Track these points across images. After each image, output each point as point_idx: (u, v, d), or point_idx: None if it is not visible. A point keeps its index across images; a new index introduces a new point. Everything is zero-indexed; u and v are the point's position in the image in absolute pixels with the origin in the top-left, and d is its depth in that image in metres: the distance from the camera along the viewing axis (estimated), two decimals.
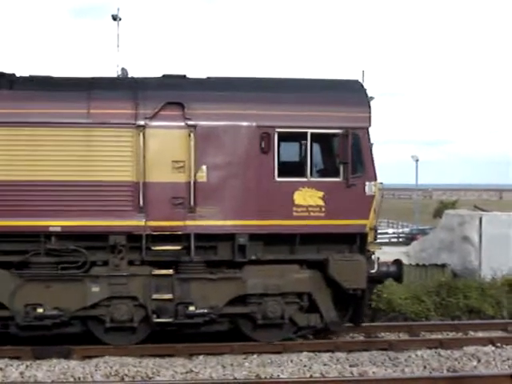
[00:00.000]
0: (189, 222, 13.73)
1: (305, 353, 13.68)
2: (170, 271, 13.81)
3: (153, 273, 13.81)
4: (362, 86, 14.76)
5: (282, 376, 12.15)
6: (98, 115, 13.64)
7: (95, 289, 13.77)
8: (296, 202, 13.95)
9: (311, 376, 12.15)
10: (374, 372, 12.40)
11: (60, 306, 13.67)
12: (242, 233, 13.84)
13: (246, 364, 12.98)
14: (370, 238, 14.35)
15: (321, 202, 14.00)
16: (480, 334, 15.71)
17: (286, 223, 13.93)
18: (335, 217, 14.03)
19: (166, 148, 13.71)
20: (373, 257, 14.51)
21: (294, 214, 13.93)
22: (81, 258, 13.70)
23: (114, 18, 31.55)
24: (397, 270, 14.76)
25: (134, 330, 14.09)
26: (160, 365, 12.80)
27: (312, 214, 13.98)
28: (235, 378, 11.95)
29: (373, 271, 14.45)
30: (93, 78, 14.34)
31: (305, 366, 12.78)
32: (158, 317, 13.84)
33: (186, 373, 12.34)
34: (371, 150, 14.26)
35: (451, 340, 14.82)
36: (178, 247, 13.79)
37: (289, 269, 14.19)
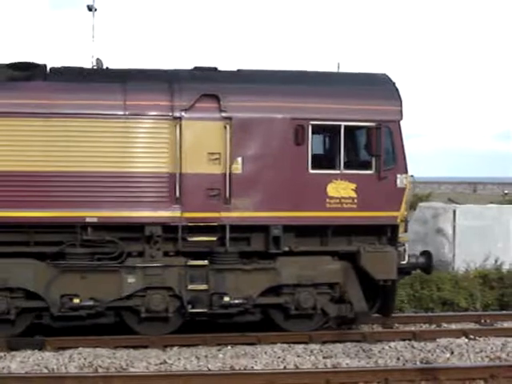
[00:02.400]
0: (224, 214, 13.84)
1: (279, 344, 13.74)
2: (206, 262, 13.91)
3: (188, 263, 13.90)
4: (390, 79, 14.95)
5: (256, 367, 12.18)
6: (135, 107, 13.69)
7: (131, 279, 13.84)
8: (329, 193, 14.10)
9: (285, 367, 12.22)
10: (347, 363, 12.46)
11: (96, 296, 13.72)
12: (277, 224, 13.96)
13: (220, 355, 13.02)
14: (400, 230, 14.54)
15: (353, 194, 14.16)
16: (453, 326, 15.82)
17: (319, 215, 14.08)
18: (367, 209, 14.20)
19: (201, 140, 13.79)
20: (403, 248, 14.70)
21: (327, 205, 14.09)
22: (117, 248, 13.76)
23: (90, 8, 31.27)
24: (426, 262, 14.96)
25: (167, 320, 14.19)
26: (134, 356, 12.82)
27: (345, 205, 14.15)
28: (209, 370, 11.98)
29: (403, 262, 14.64)
30: (127, 70, 14.39)
31: (279, 357, 12.82)
32: (193, 307, 13.95)
33: (160, 364, 12.35)
34: (402, 143, 14.43)
35: (424, 332, 14.93)
36: (214, 238, 13.88)
37: (322, 260, 14.35)
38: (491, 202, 25.98)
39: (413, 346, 13.72)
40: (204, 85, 14.00)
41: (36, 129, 13.50)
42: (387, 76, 15.06)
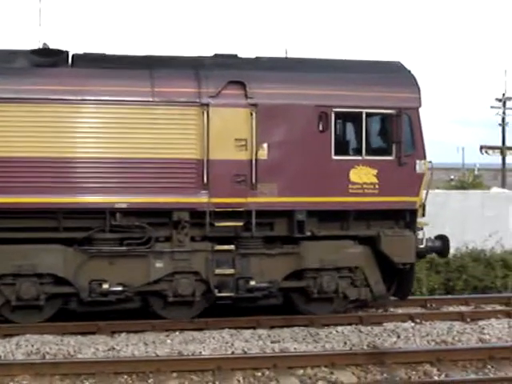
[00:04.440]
0: (250, 199, 14.05)
1: (227, 330, 13.79)
2: (232, 247, 14.12)
3: (215, 248, 14.10)
4: (405, 67, 15.30)
5: (204, 353, 12.18)
6: (163, 93, 13.80)
7: (159, 264, 13.99)
8: (351, 179, 14.40)
9: (233, 352, 12.24)
10: (295, 348, 12.53)
11: (124, 281, 13.86)
12: (301, 209, 14.22)
13: (168, 341, 13.03)
14: (419, 215, 14.92)
15: (375, 180, 14.48)
16: (400, 311, 15.91)
17: (342, 200, 14.37)
18: (388, 194, 14.52)
19: (228, 126, 13.96)
20: (421, 232, 15.08)
21: (350, 191, 14.39)
22: (145, 234, 13.89)
23: None
24: (442, 246, 15.35)
25: (192, 305, 14.38)
26: (82, 342, 12.79)
27: (366, 191, 14.46)
28: (157, 355, 11.99)
29: (421, 246, 15.02)
30: (151, 57, 14.50)
31: (227, 342, 12.86)
32: (220, 291, 14.17)
33: (108, 350, 12.33)
34: (421, 130, 14.78)
35: (371, 316, 15.06)
36: (240, 223, 14.09)
37: (343, 244, 14.67)
38: (437, 188, 26.38)
39: (360, 331, 13.86)
40: (230, 72, 14.17)
41: (64, 115, 13.54)
42: (402, 64, 15.40)
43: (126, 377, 10.98)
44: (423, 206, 14.97)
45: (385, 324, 14.34)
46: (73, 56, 14.24)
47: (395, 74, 15.02)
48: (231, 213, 14.06)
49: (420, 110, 14.82)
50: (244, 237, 14.22)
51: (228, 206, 13.99)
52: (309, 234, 14.42)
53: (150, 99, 13.74)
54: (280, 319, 14.58)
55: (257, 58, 15.05)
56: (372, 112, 14.61)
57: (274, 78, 14.30)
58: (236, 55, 14.97)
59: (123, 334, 13.55)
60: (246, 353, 12.20)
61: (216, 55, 14.92)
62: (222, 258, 14.16)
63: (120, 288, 13.81)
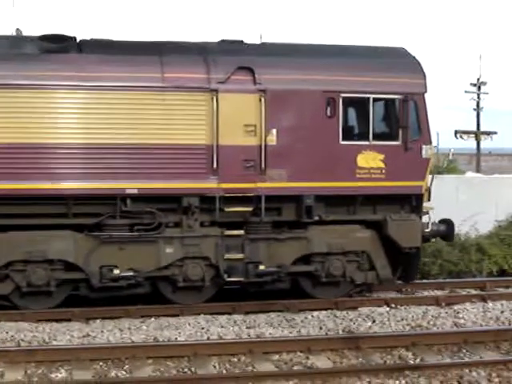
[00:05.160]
0: (260, 184, 14.13)
1: (202, 315, 13.83)
2: (242, 232, 14.21)
3: (225, 233, 14.18)
4: (409, 53, 15.43)
5: (179, 339, 12.17)
6: (173, 79, 13.83)
7: (169, 250, 14.06)
8: (359, 164, 14.52)
9: (208, 338, 12.26)
10: (270, 333, 12.60)
11: (135, 267, 13.91)
12: (309, 194, 14.33)
13: (144, 327, 13.05)
14: (424, 199, 15.08)
15: (381, 165, 14.62)
16: (375, 295, 15.93)
17: (349, 185, 14.50)
18: (394, 178, 14.67)
19: (237, 112, 14.01)
20: (426, 216, 15.25)
21: (357, 175, 14.51)
22: (155, 219, 13.95)
23: None
24: (447, 230, 15.52)
25: (201, 290, 14.47)
26: (57, 329, 12.75)
27: (373, 175, 14.59)
28: (133, 342, 11.96)
29: (427, 230, 15.19)
30: (160, 42, 14.52)
31: (202, 328, 12.89)
32: (229, 276, 14.26)
33: (83, 337, 12.29)
34: (427, 115, 14.92)
35: (346, 301, 14.97)
36: (250, 208, 14.18)
37: (351, 229, 14.80)
38: None
39: (335, 316, 13.90)
40: (239, 58, 14.21)
41: (75, 101, 13.56)
42: (406, 50, 15.53)
43: (101, 363, 10.91)
44: (429, 191, 15.13)
45: (360, 309, 14.41)
46: (80, 42, 14.22)
47: (401, 60, 15.14)
48: (240, 198, 14.13)
49: (426, 95, 14.95)
50: (253, 222, 14.30)
51: (237, 191, 14.06)
52: (317, 218, 14.53)
53: (160, 85, 13.77)
54: (255, 304, 14.61)
55: (263, 43, 15.12)
56: (379, 97, 14.73)
57: (283, 63, 14.37)
58: (242, 41, 15.02)
59: (98, 321, 13.57)
60: (221, 338, 12.22)
61: (223, 41, 14.96)
62: (232, 243, 14.24)
63: (131, 273, 13.85)
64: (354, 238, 14.82)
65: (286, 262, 14.52)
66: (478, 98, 55.97)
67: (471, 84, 56.01)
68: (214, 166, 13.95)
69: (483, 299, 15.43)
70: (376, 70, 14.71)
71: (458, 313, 14.10)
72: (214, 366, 10.89)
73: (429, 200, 15.21)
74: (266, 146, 14.13)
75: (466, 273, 18.79)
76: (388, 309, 14.48)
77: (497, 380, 10.37)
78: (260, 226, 14.35)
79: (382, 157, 14.62)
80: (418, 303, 15.03)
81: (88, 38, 14.51)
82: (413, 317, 13.77)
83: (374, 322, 13.42)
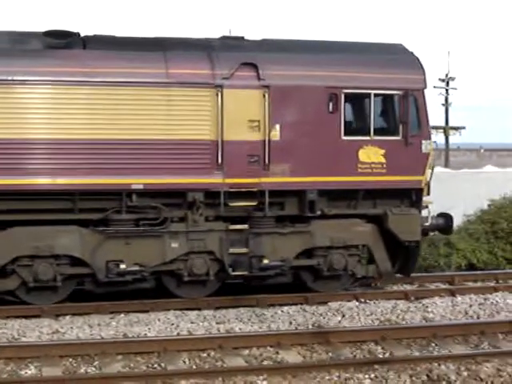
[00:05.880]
0: (264, 179, 14.28)
1: (172, 311, 13.80)
2: (246, 226, 14.36)
3: (230, 228, 14.32)
4: (407, 49, 15.65)
5: (149, 334, 12.19)
6: (177, 75, 13.91)
7: (174, 244, 14.16)
8: (360, 159, 14.72)
9: (178, 334, 12.25)
10: (240, 328, 12.60)
11: (141, 261, 14.00)
12: (312, 189, 14.50)
13: (113, 323, 12.99)
14: (424, 193, 15.32)
15: (382, 160, 14.83)
16: (344, 290, 15.62)
17: (351, 179, 14.70)
18: (395, 173, 14.88)
19: (242, 107, 14.14)
20: (426, 210, 15.49)
21: (359, 170, 14.72)
22: (160, 214, 14.05)
23: None
24: (445, 223, 15.77)
25: (206, 284, 14.60)
26: (26, 326, 12.69)
27: (375, 170, 14.80)
28: (102, 338, 11.93)
29: (427, 224, 15.43)
30: (163, 39, 14.61)
31: (172, 324, 12.87)
32: (234, 270, 14.40)
33: (53, 333, 12.23)
34: (426, 111, 15.15)
35: (316, 296, 14.94)
36: (254, 203, 14.33)
37: (352, 223, 15.00)
38: None
39: (305, 310, 13.95)
40: (242, 54, 14.34)
41: (80, 97, 13.61)
42: (404, 46, 15.75)
43: (71, 360, 10.87)
44: (428, 185, 15.36)
45: (330, 303, 14.40)
46: (84, 38, 14.26)
47: (401, 56, 15.35)
48: (244, 193, 14.27)
49: (425, 90, 15.18)
50: (257, 216, 14.44)
51: (242, 186, 14.20)
52: (319, 212, 14.71)
53: (165, 80, 13.86)
54: (225, 300, 14.62)
55: (264, 39, 15.25)
56: (380, 93, 14.93)
57: (286, 59, 14.52)
58: (243, 37, 15.16)
59: (68, 317, 13.49)
60: (191, 334, 12.20)
61: (224, 37, 15.09)
62: (236, 238, 14.38)
63: (137, 268, 13.94)
64: (356, 232, 15.02)
65: (289, 255, 14.68)
66: (447, 93, 56.46)
67: (439, 79, 56.54)
68: (219, 161, 14.07)
69: (452, 293, 15.48)
70: (377, 66, 14.91)
71: (426, 307, 14.17)
72: (184, 362, 10.89)
73: (428, 194, 15.44)
74: (269, 141, 14.28)
75: (434, 267, 18.88)
76: (357, 303, 14.49)
77: (465, 373, 10.41)
78: (264, 221, 14.48)
79: (383, 152, 14.82)
80: (388, 298, 15.04)
81: (85, 33, 14.57)
82: (382, 311, 13.86)
83: (343, 316, 13.47)
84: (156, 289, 14.65)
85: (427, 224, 15.46)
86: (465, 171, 26.23)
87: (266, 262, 14.47)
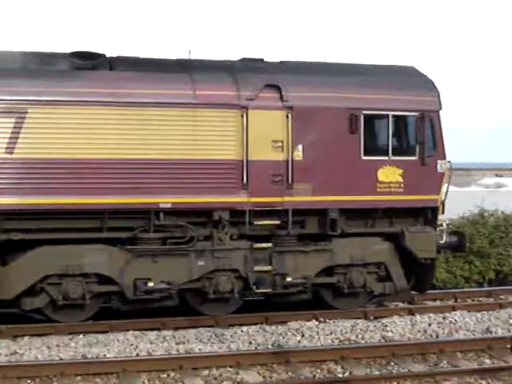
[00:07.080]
0: (287, 198, 14.59)
1: (131, 331, 13.65)
2: (270, 244, 14.64)
3: (254, 246, 14.59)
4: (420, 71, 16.14)
5: (108, 355, 12.03)
6: (204, 96, 14.20)
7: (201, 262, 14.38)
8: (379, 178, 15.11)
9: (138, 354, 12.18)
10: (200, 349, 12.55)
11: (168, 279, 14.18)
12: (334, 208, 14.85)
13: (72, 344, 12.83)
14: (439, 212, 15.74)
15: (400, 179, 15.23)
16: (303, 310, 15.53)
17: (371, 198, 15.08)
18: (412, 192, 15.29)
19: (266, 128, 14.45)
20: (441, 229, 15.89)
21: (378, 189, 15.11)
22: (187, 233, 14.27)
23: None
24: (459, 241, 16.20)
25: (229, 301, 14.83)
26: None
27: (393, 189, 15.20)
28: (61, 359, 11.78)
29: (442, 242, 15.84)
30: (188, 60, 14.92)
31: (131, 344, 12.78)
32: (257, 287, 14.66)
33: (11, 354, 12.07)
34: (442, 132, 15.61)
35: (276, 315, 14.94)
36: (278, 222, 14.63)
37: (371, 241, 15.35)
38: None
39: (265, 330, 13.95)
40: (265, 76, 14.69)
41: (109, 117, 13.79)
42: (416, 68, 16.26)
43: (29, 381, 10.83)
44: (443, 204, 15.78)
45: (289, 323, 14.36)
46: (110, 59, 14.51)
47: (416, 79, 15.82)
48: (268, 211, 14.57)
49: (440, 112, 15.64)
50: (280, 235, 14.74)
51: (266, 205, 14.49)
52: (339, 231, 15.04)
53: (192, 101, 14.14)
54: (185, 320, 14.57)
55: (282, 61, 15.62)
56: (398, 114, 15.36)
57: (308, 81, 14.89)
58: (263, 59, 15.50)
59: (26, 338, 13.32)
60: (150, 355, 12.21)
61: (244, 59, 15.42)
62: (260, 256, 14.65)
63: (164, 286, 14.12)
64: (374, 250, 15.37)
65: (311, 273, 14.98)
66: None
67: None
68: (244, 180, 14.36)
69: (411, 312, 15.55)
70: (395, 88, 15.36)
71: (386, 326, 14.21)
72: (144, 383, 10.93)
73: (443, 213, 15.85)
74: (292, 161, 14.62)
75: None
76: (317, 323, 14.45)
77: None
78: (287, 239, 14.79)
79: (400, 171, 15.23)
80: (347, 317, 15.05)
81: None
82: (341, 330, 13.90)
83: (303, 336, 13.49)
84: (177, 306, 14.79)
85: (442, 242, 15.86)
86: None
87: (289, 279, 14.75)
